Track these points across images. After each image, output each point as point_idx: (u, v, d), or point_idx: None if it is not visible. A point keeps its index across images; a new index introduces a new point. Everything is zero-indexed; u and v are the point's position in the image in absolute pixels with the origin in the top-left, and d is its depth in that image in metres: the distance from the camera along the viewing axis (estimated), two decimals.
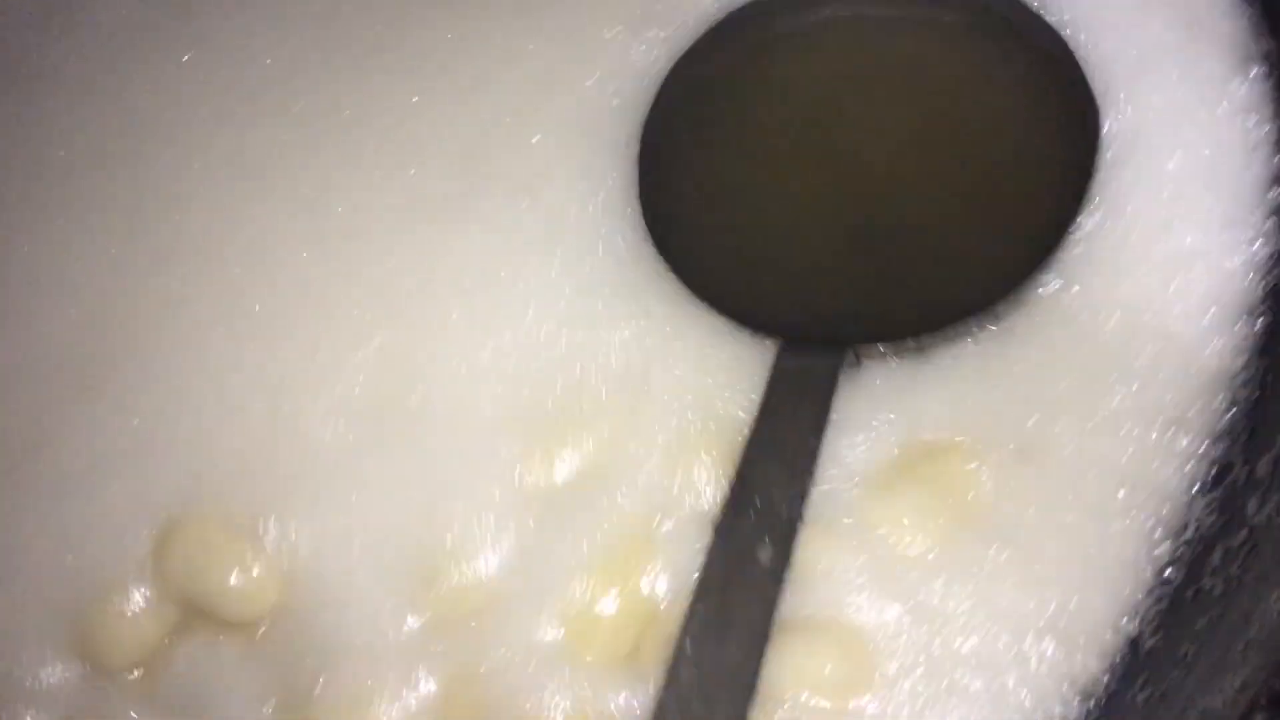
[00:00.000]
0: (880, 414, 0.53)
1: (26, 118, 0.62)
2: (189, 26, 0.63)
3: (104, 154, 0.61)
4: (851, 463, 0.52)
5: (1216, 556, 0.54)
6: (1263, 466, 0.54)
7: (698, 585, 0.47)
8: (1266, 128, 0.57)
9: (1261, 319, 0.56)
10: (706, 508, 0.51)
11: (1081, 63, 0.55)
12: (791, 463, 0.47)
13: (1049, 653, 0.53)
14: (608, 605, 0.51)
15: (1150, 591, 0.54)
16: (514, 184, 0.58)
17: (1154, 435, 0.55)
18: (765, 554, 0.46)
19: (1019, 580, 0.53)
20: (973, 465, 0.53)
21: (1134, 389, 0.55)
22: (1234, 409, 0.55)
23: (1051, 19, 0.55)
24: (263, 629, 0.54)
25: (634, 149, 0.55)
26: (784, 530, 0.46)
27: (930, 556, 0.52)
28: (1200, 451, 0.55)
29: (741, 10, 0.55)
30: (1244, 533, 0.53)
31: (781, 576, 0.46)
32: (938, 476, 0.53)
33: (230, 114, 0.61)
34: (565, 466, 0.53)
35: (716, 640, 0.45)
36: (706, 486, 0.51)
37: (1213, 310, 0.56)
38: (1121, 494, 0.55)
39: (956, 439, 0.53)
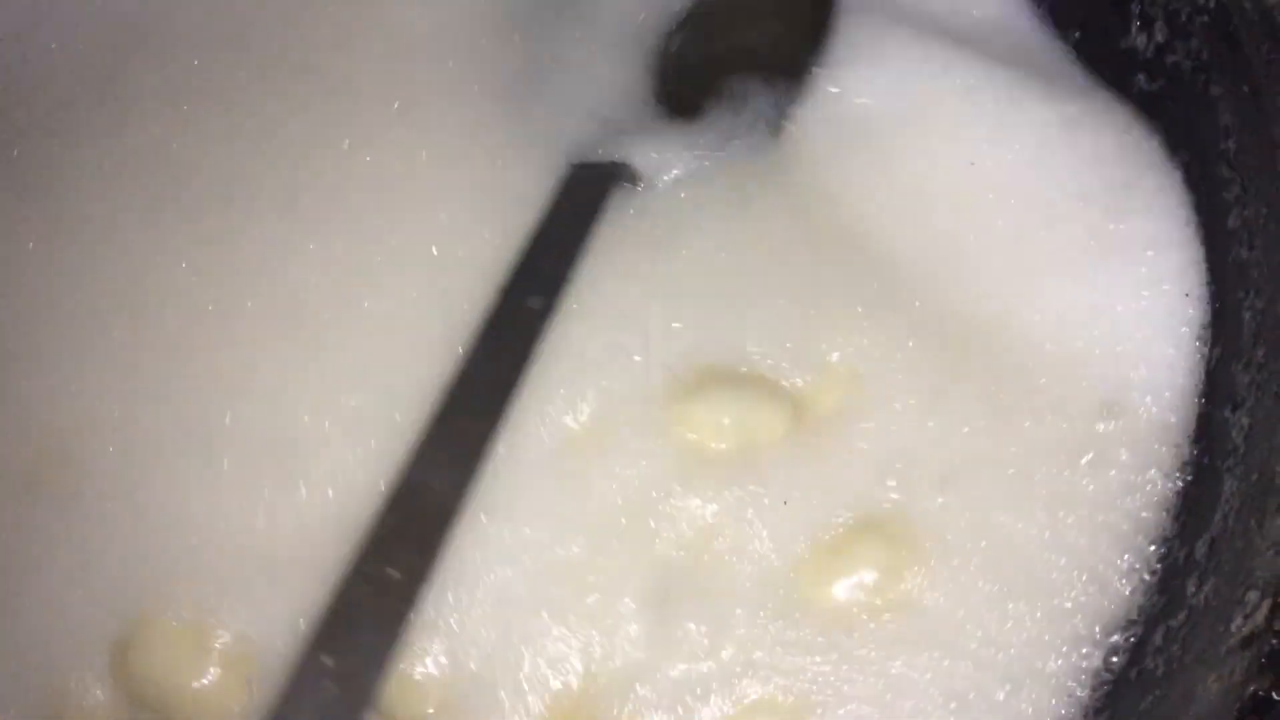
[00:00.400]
0: None
1: None
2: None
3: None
4: None
5: (1158, 637, 0.55)
6: (1200, 548, 0.56)
7: (483, 323, 0.59)
8: None
9: (1202, 399, 0.59)
10: None
11: None
12: (565, 244, 0.61)
13: None
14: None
15: (1096, 673, 0.56)
16: None
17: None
18: (536, 302, 0.59)
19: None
20: None
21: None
22: (1171, 492, 0.58)
23: None
24: None
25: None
26: (553, 288, 0.59)
27: None
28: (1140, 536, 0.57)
29: None
30: (1184, 614, 0.55)
31: (547, 317, 0.59)
32: None
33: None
34: None
35: (493, 362, 0.58)
36: None
37: None
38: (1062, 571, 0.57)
39: None
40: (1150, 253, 0.60)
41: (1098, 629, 0.56)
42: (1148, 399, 0.59)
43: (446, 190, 0.63)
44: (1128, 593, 0.57)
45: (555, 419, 0.58)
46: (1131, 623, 0.56)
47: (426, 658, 0.54)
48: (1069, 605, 0.56)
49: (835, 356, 0.59)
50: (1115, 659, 0.56)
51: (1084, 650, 0.56)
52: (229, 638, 0.55)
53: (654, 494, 0.57)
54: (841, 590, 0.56)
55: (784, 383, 0.59)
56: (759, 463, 0.57)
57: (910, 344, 0.59)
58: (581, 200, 0.62)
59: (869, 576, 0.56)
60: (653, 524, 0.56)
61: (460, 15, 0.67)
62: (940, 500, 0.57)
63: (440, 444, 0.56)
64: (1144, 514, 0.57)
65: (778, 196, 0.63)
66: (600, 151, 0.64)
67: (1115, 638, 0.56)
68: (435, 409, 0.56)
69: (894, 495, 0.57)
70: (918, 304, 0.60)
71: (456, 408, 0.56)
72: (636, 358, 0.59)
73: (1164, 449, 0.58)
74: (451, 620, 0.55)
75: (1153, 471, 0.58)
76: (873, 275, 0.61)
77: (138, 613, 0.55)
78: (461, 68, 0.66)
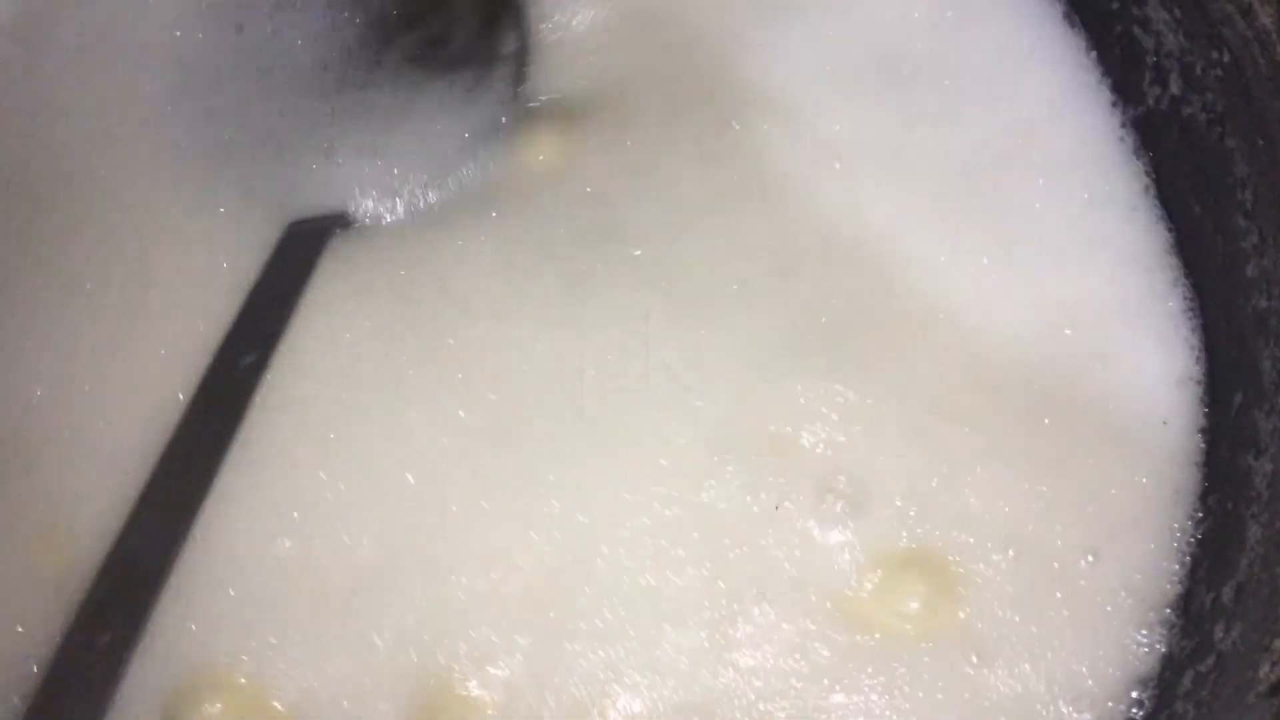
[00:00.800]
0: None
1: None
2: None
3: None
4: None
5: (1187, 681, 0.56)
6: (1227, 593, 0.56)
7: (203, 378, 0.60)
8: None
9: (1221, 453, 0.60)
10: None
11: None
12: (281, 300, 0.62)
13: None
14: None
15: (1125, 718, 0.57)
16: None
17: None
18: (248, 359, 0.60)
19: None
20: None
21: None
22: (1195, 538, 0.59)
23: None
24: None
25: None
26: (266, 345, 0.61)
27: None
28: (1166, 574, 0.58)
29: None
30: (1212, 658, 0.55)
31: (261, 374, 0.60)
32: None
33: None
34: None
35: (212, 413, 0.59)
36: None
37: None
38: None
39: None
40: (1154, 299, 0.62)
41: (1126, 672, 0.57)
42: (1167, 443, 0.60)
43: (166, 266, 0.63)
44: (1156, 636, 0.57)
45: None
46: (1160, 667, 0.57)
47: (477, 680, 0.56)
48: (1098, 647, 0.57)
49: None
50: (1142, 706, 0.57)
51: (1113, 693, 0.57)
52: (291, 697, 0.56)
53: None
54: (874, 621, 0.57)
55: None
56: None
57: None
58: (295, 257, 0.63)
59: (906, 610, 0.57)
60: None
61: (159, 91, 0.66)
62: (967, 539, 0.58)
63: (151, 509, 0.57)
64: (1166, 561, 0.58)
65: (526, 213, 0.63)
66: (316, 204, 0.65)
67: (1142, 682, 0.57)
68: (149, 474, 0.58)
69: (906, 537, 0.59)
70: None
71: (168, 471, 0.58)
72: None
73: (1186, 495, 0.59)
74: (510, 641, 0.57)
75: (1176, 517, 0.59)
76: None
77: (191, 672, 0.56)
78: (166, 143, 0.65)
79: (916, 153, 0.64)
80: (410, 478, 0.59)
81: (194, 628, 0.57)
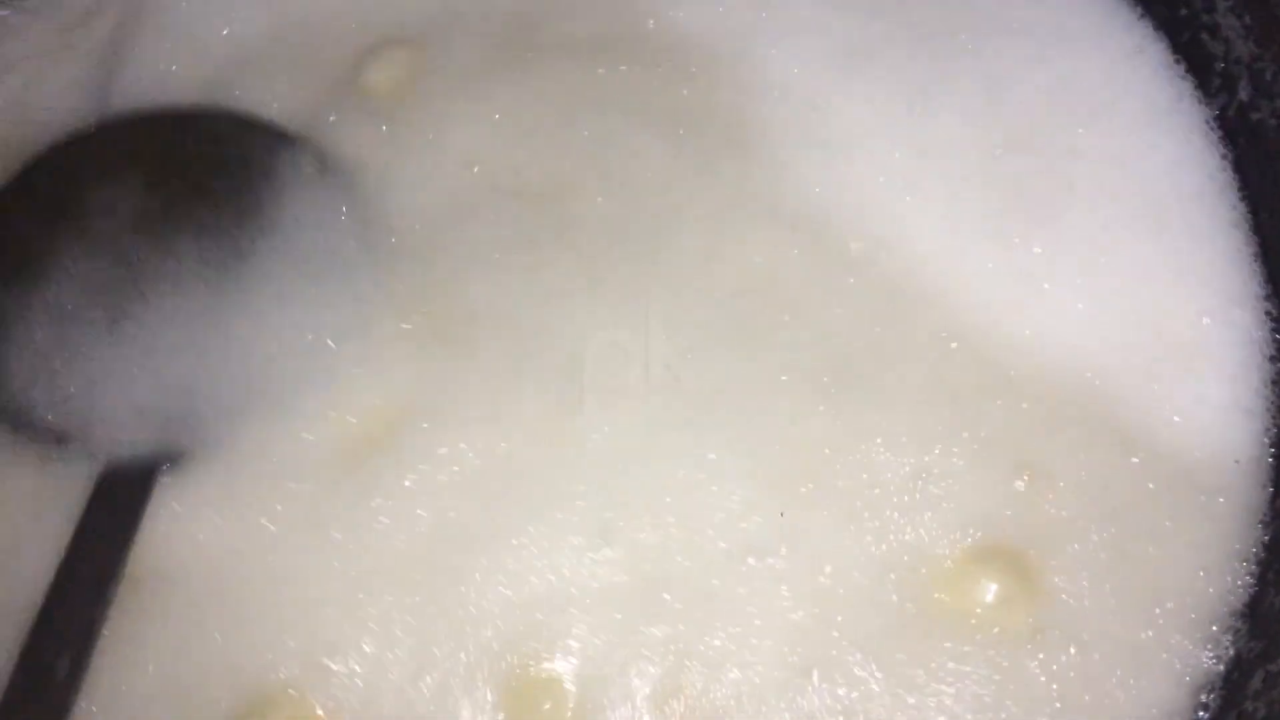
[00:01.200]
0: None
1: None
2: None
3: None
4: None
5: (1257, 681, 0.56)
6: None
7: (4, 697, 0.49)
8: None
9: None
10: None
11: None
12: (95, 581, 0.51)
13: None
14: None
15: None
16: None
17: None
18: (63, 667, 0.49)
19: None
20: None
21: None
22: (1264, 540, 0.58)
23: None
24: None
25: None
26: (82, 644, 0.50)
27: None
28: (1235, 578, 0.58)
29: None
30: None
31: (77, 684, 0.50)
32: None
33: None
34: None
35: None
36: None
37: None
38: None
39: None
40: (1232, 319, 0.62)
41: (1191, 674, 0.57)
42: (1237, 454, 0.60)
43: None
44: (1224, 640, 0.57)
45: None
46: (1229, 668, 0.57)
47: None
48: (1166, 649, 0.57)
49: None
50: (1208, 709, 0.56)
51: (1178, 701, 0.57)
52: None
53: None
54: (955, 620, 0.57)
55: None
56: None
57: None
58: (113, 513, 0.53)
59: (976, 608, 0.57)
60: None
61: None
62: (1034, 563, 0.58)
63: None
64: (1242, 561, 0.58)
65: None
66: (137, 441, 0.56)
67: (1210, 684, 0.57)
68: None
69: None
70: None
71: None
72: None
73: (1257, 504, 0.59)
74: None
75: (1248, 524, 0.59)
76: None
77: (255, 691, 0.55)
78: None
79: (1003, 180, 0.64)
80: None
81: (254, 647, 0.56)
